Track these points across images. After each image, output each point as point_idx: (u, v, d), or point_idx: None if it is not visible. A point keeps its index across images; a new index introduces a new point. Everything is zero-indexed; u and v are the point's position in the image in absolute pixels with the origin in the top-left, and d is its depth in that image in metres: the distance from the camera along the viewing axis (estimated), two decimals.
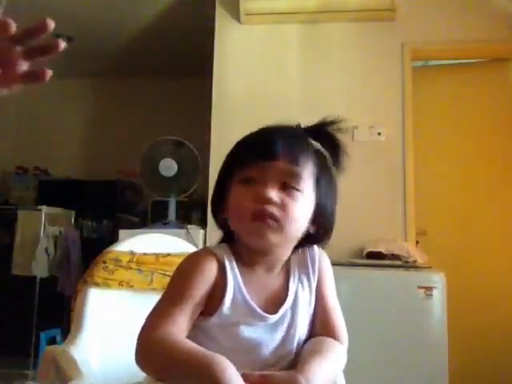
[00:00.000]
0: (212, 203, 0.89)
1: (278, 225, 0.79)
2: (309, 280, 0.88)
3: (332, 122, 0.89)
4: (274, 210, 0.79)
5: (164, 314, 0.78)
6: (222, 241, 0.90)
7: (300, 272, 0.88)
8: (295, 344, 0.83)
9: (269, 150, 0.81)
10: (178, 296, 0.80)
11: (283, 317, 0.83)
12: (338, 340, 0.86)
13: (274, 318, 0.82)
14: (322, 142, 0.89)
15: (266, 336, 0.81)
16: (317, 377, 0.74)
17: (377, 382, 2.41)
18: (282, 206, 0.79)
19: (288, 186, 0.81)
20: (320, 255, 0.91)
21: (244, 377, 0.71)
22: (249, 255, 0.85)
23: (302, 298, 0.86)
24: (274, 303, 0.84)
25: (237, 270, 0.83)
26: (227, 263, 0.83)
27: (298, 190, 0.81)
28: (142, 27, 4.23)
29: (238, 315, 0.80)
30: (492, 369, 3.12)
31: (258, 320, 0.81)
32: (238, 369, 0.73)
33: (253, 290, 0.83)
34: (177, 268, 0.85)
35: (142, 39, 4.42)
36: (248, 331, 0.80)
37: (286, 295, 0.85)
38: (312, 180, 0.84)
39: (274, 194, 0.79)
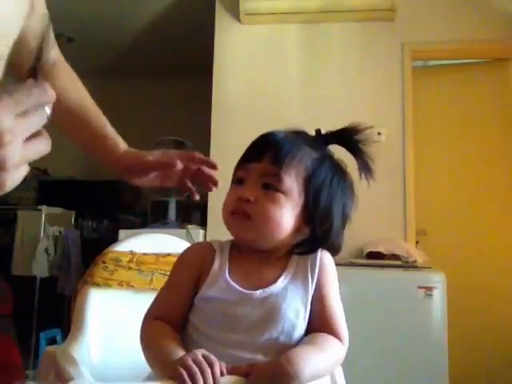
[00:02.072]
0: None
1: (251, 222, 0.83)
2: (304, 282, 0.87)
3: (353, 129, 0.93)
4: (247, 207, 0.83)
5: (157, 299, 0.89)
6: None
7: (296, 271, 0.88)
8: (283, 338, 0.82)
9: (252, 152, 0.88)
10: (170, 282, 0.91)
11: (265, 299, 0.82)
12: (339, 337, 0.86)
13: (252, 293, 0.82)
14: (346, 147, 0.94)
15: (247, 311, 0.82)
16: (305, 364, 0.72)
17: (377, 382, 2.41)
18: (257, 205, 0.83)
19: (268, 186, 0.84)
20: (322, 257, 0.90)
21: (232, 369, 0.71)
22: (242, 247, 0.89)
23: (291, 295, 0.85)
24: (258, 286, 0.84)
25: (227, 255, 0.88)
26: (218, 249, 0.89)
27: (279, 191, 0.84)
28: (142, 27, 4.24)
29: (218, 290, 0.83)
30: (492, 369, 3.12)
31: (238, 296, 0.83)
32: (229, 349, 0.78)
33: (238, 271, 0.86)
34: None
35: (141, 39, 4.43)
36: (229, 306, 0.82)
37: (273, 283, 0.85)
38: (301, 182, 0.86)
39: (249, 192, 0.84)
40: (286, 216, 0.85)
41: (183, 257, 0.92)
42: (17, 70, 0.83)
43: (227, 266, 0.86)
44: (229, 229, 0.88)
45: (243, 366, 0.73)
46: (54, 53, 0.96)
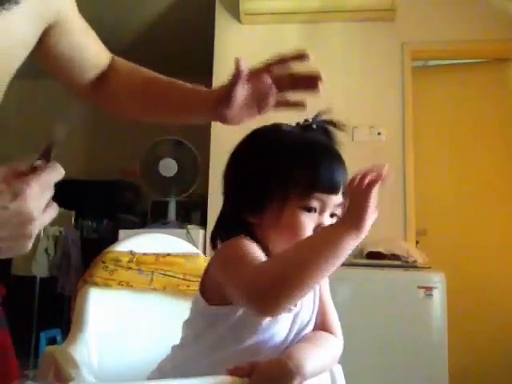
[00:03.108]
0: (246, 201, 0.85)
1: None
2: None
3: (325, 120, 0.92)
4: None
5: (248, 261, 0.77)
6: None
7: None
8: (297, 333, 0.83)
9: (333, 187, 0.83)
10: (252, 256, 0.78)
11: (298, 311, 0.83)
12: (334, 334, 0.87)
13: (295, 309, 0.82)
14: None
15: (282, 327, 0.81)
16: (307, 361, 0.73)
17: (377, 382, 2.41)
18: None
19: (334, 215, 0.85)
20: None
21: (234, 370, 0.71)
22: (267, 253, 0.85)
23: (307, 297, 0.86)
24: None
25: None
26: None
27: (338, 217, 0.85)
28: (142, 27, 4.24)
29: None
30: (492, 369, 3.12)
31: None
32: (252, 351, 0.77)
33: None
34: (225, 256, 0.83)
35: (141, 39, 4.43)
36: (268, 321, 0.80)
37: None
38: None
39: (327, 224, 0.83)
40: None
41: (247, 245, 0.81)
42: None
43: None
44: None
45: (245, 365, 0.73)
46: (105, 58, 1.01)
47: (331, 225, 0.80)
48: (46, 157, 0.55)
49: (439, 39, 3.29)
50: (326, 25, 3.36)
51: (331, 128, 0.90)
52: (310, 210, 0.82)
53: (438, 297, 2.44)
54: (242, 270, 0.75)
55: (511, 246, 3.27)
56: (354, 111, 3.24)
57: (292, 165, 0.83)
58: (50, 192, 0.54)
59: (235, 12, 3.39)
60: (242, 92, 0.86)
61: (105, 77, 1.00)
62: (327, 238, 0.71)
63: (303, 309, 0.84)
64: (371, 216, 0.74)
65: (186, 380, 0.75)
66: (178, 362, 0.86)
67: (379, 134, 3.19)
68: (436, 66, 3.69)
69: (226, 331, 0.80)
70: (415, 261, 2.69)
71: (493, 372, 3.11)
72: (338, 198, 0.83)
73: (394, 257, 2.76)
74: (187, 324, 0.88)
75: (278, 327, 0.81)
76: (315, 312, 0.87)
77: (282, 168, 0.83)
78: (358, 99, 3.26)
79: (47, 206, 0.54)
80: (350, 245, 0.69)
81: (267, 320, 0.79)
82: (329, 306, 0.90)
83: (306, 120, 0.91)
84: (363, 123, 3.20)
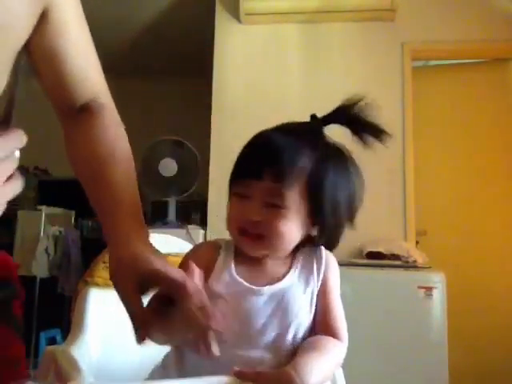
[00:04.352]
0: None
1: (264, 241, 0.82)
2: (310, 280, 0.87)
3: (347, 104, 0.90)
4: (257, 228, 0.81)
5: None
6: None
7: (302, 270, 0.88)
8: (291, 336, 0.82)
9: (251, 167, 0.83)
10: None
11: (274, 296, 0.82)
12: (338, 337, 0.86)
13: (260, 289, 0.82)
14: (344, 124, 0.91)
15: (256, 307, 0.81)
16: (312, 373, 0.73)
17: (377, 382, 2.41)
18: (266, 224, 0.81)
19: (272, 205, 0.81)
20: (327, 258, 0.90)
21: (238, 374, 0.71)
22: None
23: (298, 293, 0.85)
24: (265, 283, 0.84)
25: (232, 252, 0.86)
26: (223, 246, 0.87)
27: (283, 208, 0.81)
28: (142, 27, 4.24)
29: (223, 287, 0.82)
30: (492, 369, 3.12)
31: (246, 292, 0.82)
32: (237, 349, 0.78)
33: (243, 268, 0.85)
34: None
35: (141, 39, 4.43)
36: (239, 302, 0.81)
37: (279, 281, 0.85)
38: (303, 188, 0.83)
39: (255, 213, 0.81)
40: (295, 228, 0.83)
41: (191, 251, 0.91)
42: None
43: (233, 263, 0.85)
44: (240, 246, 0.86)
45: (250, 371, 0.72)
46: (104, 98, 0.89)
47: None
48: (6, 121, 0.49)
49: (439, 39, 3.29)
50: (325, 25, 3.36)
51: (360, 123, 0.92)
52: (238, 194, 0.84)
53: (438, 297, 2.44)
54: None
55: (511, 246, 3.27)
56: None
57: (239, 154, 0.87)
58: (12, 161, 0.48)
59: (235, 12, 3.39)
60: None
61: (86, 114, 0.87)
62: None
63: (286, 300, 0.83)
64: None
65: (186, 380, 0.75)
66: (179, 355, 0.86)
67: None
68: (436, 66, 3.69)
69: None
70: (415, 261, 2.69)
71: (493, 372, 3.11)
72: (264, 185, 0.80)
73: (394, 257, 2.76)
74: None
75: (250, 305, 0.81)
76: (312, 312, 0.86)
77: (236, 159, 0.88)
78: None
79: (10, 177, 0.48)
80: None
81: (235, 295, 0.81)
82: (334, 307, 0.88)
83: (313, 115, 0.92)
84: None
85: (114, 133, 0.88)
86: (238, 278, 0.83)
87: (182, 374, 0.81)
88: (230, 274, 0.83)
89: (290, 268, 0.87)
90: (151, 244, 0.79)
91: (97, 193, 0.82)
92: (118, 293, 0.72)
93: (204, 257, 0.86)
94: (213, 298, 0.80)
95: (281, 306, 0.82)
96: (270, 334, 0.81)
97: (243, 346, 0.79)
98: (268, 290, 0.82)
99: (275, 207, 0.81)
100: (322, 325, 0.86)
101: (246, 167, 0.84)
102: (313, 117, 0.91)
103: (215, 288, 0.82)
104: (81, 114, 0.86)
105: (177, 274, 0.70)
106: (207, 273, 0.83)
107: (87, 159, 0.84)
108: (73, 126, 0.87)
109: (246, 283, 0.82)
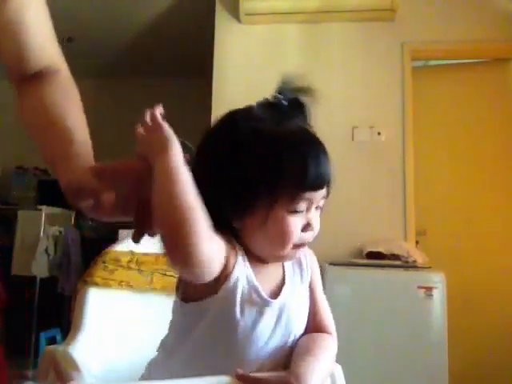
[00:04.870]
0: (232, 208, 0.78)
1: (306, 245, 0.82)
2: (302, 275, 0.88)
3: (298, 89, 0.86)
4: (312, 235, 0.81)
5: None
6: None
7: (294, 265, 0.88)
8: (292, 338, 0.83)
9: (323, 182, 0.78)
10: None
11: (282, 308, 0.82)
12: (328, 332, 0.87)
13: (276, 302, 0.80)
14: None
15: (266, 322, 0.79)
16: (311, 378, 0.73)
17: (377, 382, 2.41)
18: (314, 229, 0.81)
19: (319, 207, 0.82)
20: (308, 251, 0.91)
21: (241, 377, 0.71)
22: (250, 253, 0.82)
23: (297, 291, 0.85)
24: (275, 290, 0.82)
25: (244, 254, 0.80)
26: (237, 247, 0.79)
27: (322, 208, 0.83)
28: (142, 27, 4.23)
29: (239, 295, 0.77)
30: (492, 369, 3.12)
31: (261, 303, 0.79)
32: (233, 357, 0.76)
33: (254, 270, 0.80)
34: None
35: (142, 39, 4.43)
36: (248, 314, 0.78)
37: (284, 284, 0.84)
38: None
39: (315, 221, 0.80)
40: None
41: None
42: None
43: (250, 269, 0.79)
44: (279, 258, 0.82)
45: (251, 376, 0.72)
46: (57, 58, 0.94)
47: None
48: None
49: (439, 39, 3.29)
50: (325, 25, 3.36)
51: (302, 99, 0.85)
52: (296, 212, 0.77)
53: (438, 297, 2.44)
54: None
55: (511, 246, 3.27)
56: (354, 111, 3.24)
57: (276, 167, 0.75)
58: None
59: (235, 12, 3.39)
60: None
61: (40, 78, 0.91)
62: (159, 177, 0.69)
63: (289, 307, 0.82)
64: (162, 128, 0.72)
65: (186, 380, 0.75)
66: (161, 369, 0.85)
67: (379, 134, 3.19)
68: (436, 66, 3.69)
69: (203, 330, 0.79)
70: (415, 261, 2.69)
71: (493, 372, 3.11)
72: (323, 191, 0.80)
73: (394, 257, 2.76)
74: (170, 325, 0.85)
75: (261, 326, 0.79)
76: (306, 307, 0.86)
77: (267, 173, 0.76)
78: (358, 99, 3.27)
79: None
80: (168, 164, 0.68)
81: (248, 318, 0.77)
82: (321, 301, 0.89)
83: (275, 97, 0.85)
84: (363, 123, 3.20)
85: (66, 92, 0.92)
86: (258, 286, 0.79)
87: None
88: (249, 284, 0.78)
89: (282, 267, 0.87)
90: None
91: (49, 141, 0.86)
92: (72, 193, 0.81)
93: (228, 247, 0.77)
94: (228, 306, 0.77)
95: (284, 312, 0.81)
96: (274, 344, 0.80)
97: (248, 359, 0.78)
98: (278, 302, 0.81)
99: (319, 209, 0.82)
100: (312, 319, 0.86)
101: (317, 183, 0.77)
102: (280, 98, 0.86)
103: (233, 296, 0.77)
104: (35, 78, 0.90)
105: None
106: (224, 273, 0.77)
107: (40, 115, 0.88)
108: (27, 89, 0.91)
109: (264, 294, 0.79)
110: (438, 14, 3.29)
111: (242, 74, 3.43)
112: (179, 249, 0.67)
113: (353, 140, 3.18)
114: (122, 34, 4.33)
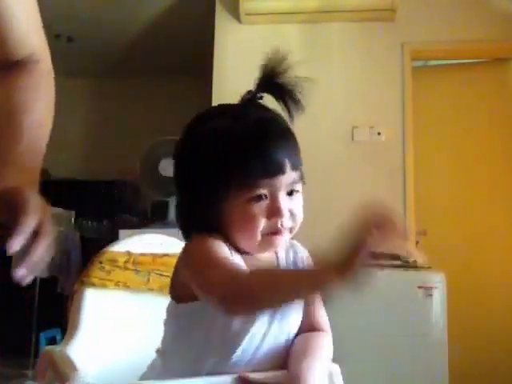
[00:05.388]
0: (204, 207, 0.80)
1: (291, 232, 0.82)
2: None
3: (277, 70, 0.88)
4: (288, 222, 0.80)
5: (217, 262, 0.75)
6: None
7: (288, 263, 0.88)
8: (287, 336, 0.82)
9: (275, 167, 0.78)
10: (219, 256, 0.76)
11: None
12: (323, 330, 0.87)
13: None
14: (277, 95, 0.88)
15: (259, 320, 0.79)
16: (310, 377, 0.74)
17: (377, 382, 2.41)
18: (292, 215, 0.81)
19: (293, 191, 0.81)
20: (302, 249, 0.91)
21: (242, 378, 0.72)
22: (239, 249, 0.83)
23: None
24: None
25: (233, 250, 0.81)
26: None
27: (298, 191, 0.82)
28: (142, 27, 4.23)
29: None
30: (492, 369, 3.12)
31: None
32: (228, 356, 0.76)
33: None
34: (192, 255, 0.80)
35: (141, 39, 4.43)
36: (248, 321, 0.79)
37: None
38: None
39: (285, 207, 0.79)
40: None
41: (213, 244, 0.79)
42: None
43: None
44: (260, 249, 0.81)
45: (250, 377, 0.73)
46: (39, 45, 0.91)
47: (317, 267, 0.71)
48: None
49: (439, 39, 3.28)
50: (325, 25, 3.36)
51: (283, 92, 0.87)
52: (258, 198, 0.78)
53: (438, 297, 2.43)
54: (212, 271, 0.73)
55: (511, 246, 3.27)
56: (354, 111, 3.24)
57: (226, 164, 0.78)
58: None
59: (235, 12, 3.39)
60: None
61: (17, 69, 0.89)
62: (309, 281, 0.67)
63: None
64: (364, 268, 0.62)
65: (186, 380, 0.75)
66: (159, 370, 0.85)
67: (379, 134, 3.19)
68: (436, 66, 3.69)
69: (197, 331, 0.79)
70: (415, 261, 2.68)
71: (493, 372, 3.11)
72: (288, 177, 0.79)
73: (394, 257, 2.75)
74: (164, 325, 0.85)
75: (255, 324, 0.79)
76: (301, 308, 0.86)
77: (217, 170, 0.79)
78: (358, 99, 3.26)
79: None
80: (331, 289, 0.64)
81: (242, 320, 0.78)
82: (315, 301, 0.89)
83: (249, 91, 0.89)
84: (363, 123, 3.20)
85: (36, 87, 0.90)
86: None
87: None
88: None
89: (276, 259, 0.86)
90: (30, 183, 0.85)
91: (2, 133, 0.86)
92: None
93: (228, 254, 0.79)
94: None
95: (278, 313, 0.81)
96: (268, 344, 0.80)
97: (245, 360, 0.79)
98: None
99: (295, 194, 0.81)
100: (307, 317, 0.86)
101: (270, 167, 0.78)
102: (252, 93, 0.90)
103: None
104: (12, 67, 0.89)
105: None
106: None
107: (4, 105, 0.87)
108: (1, 77, 0.89)
109: None
110: (438, 14, 3.28)
111: (242, 74, 3.42)
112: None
113: (353, 140, 3.18)
114: (122, 34, 4.33)
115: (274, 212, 0.78)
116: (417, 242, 3.17)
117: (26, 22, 0.87)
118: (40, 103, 0.90)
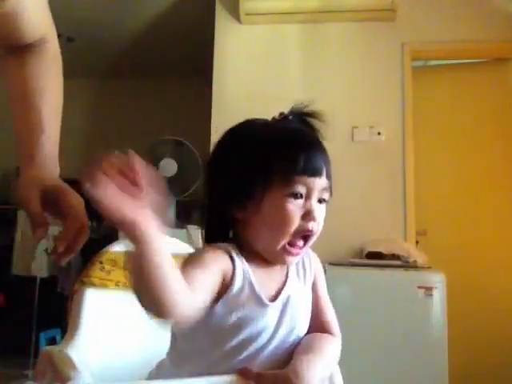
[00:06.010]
0: (230, 197, 0.82)
1: (309, 242, 0.83)
2: (305, 276, 0.88)
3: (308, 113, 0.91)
4: (316, 227, 0.81)
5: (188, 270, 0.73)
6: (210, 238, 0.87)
7: (298, 267, 0.88)
8: (295, 338, 0.83)
9: (315, 169, 0.81)
10: (200, 263, 0.76)
11: (285, 304, 0.83)
12: (331, 333, 0.87)
13: (274, 305, 0.81)
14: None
15: (268, 323, 0.80)
16: (310, 375, 0.74)
17: (377, 382, 2.41)
18: (319, 223, 0.82)
19: (322, 200, 0.83)
20: (312, 253, 0.92)
21: (242, 372, 0.73)
22: (254, 254, 0.83)
23: (300, 292, 0.86)
24: (275, 292, 0.83)
25: (244, 260, 0.82)
26: (234, 254, 0.81)
27: (326, 202, 0.84)
28: (142, 27, 4.23)
29: (243, 301, 0.79)
30: (492, 369, 3.12)
31: (261, 307, 0.80)
32: (239, 359, 0.77)
33: (257, 275, 0.82)
34: (186, 260, 0.79)
35: (141, 39, 4.42)
36: (250, 317, 0.79)
37: (285, 285, 0.84)
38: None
39: (317, 212, 0.81)
40: None
41: (207, 255, 0.79)
42: None
43: (251, 273, 0.81)
44: (283, 253, 0.81)
45: (252, 371, 0.73)
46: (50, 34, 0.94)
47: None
48: None
49: (439, 39, 3.28)
50: (325, 25, 3.36)
51: (309, 119, 0.90)
52: (295, 196, 0.79)
53: (438, 297, 2.43)
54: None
55: (511, 245, 3.27)
56: (353, 111, 3.24)
57: (270, 153, 0.81)
58: None
59: (235, 12, 3.39)
60: None
61: (28, 52, 0.92)
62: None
63: (292, 307, 0.83)
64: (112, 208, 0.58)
65: (186, 380, 0.75)
66: (169, 364, 0.85)
67: (379, 134, 3.19)
68: (436, 66, 3.69)
69: (206, 331, 0.79)
70: (415, 261, 2.68)
71: (493, 372, 3.11)
72: (322, 182, 0.81)
73: (394, 257, 2.76)
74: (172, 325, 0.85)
75: (265, 321, 0.80)
76: (309, 308, 0.87)
77: (260, 158, 0.81)
78: (358, 99, 3.26)
79: None
80: (139, 257, 0.63)
81: (249, 318, 0.78)
82: (325, 302, 0.90)
83: (281, 113, 0.91)
84: (363, 123, 3.20)
85: (48, 68, 0.94)
86: (260, 294, 0.80)
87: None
88: (249, 286, 0.80)
89: (287, 268, 0.87)
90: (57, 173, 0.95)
91: (24, 118, 0.92)
92: (21, 202, 0.85)
93: (224, 263, 0.79)
94: (230, 314, 0.78)
95: (287, 312, 0.82)
96: (275, 344, 0.81)
97: (249, 356, 0.79)
98: (279, 302, 0.82)
99: (323, 202, 0.83)
100: (316, 320, 0.87)
101: (310, 167, 0.80)
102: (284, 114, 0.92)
103: (237, 302, 0.78)
104: (24, 50, 0.92)
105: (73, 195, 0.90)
106: (226, 282, 0.79)
107: (22, 90, 0.92)
108: (13, 60, 0.93)
109: (263, 298, 0.80)
110: (438, 14, 3.28)
111: (242, 74, 3.43)
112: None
113: (353, 140, 3.18)
114: (122, 34, 4.33)
115: (308, 213, 0.80)
116: (417, 242, 3.18)
117: (38, 5, 0.89)
118: (53, 86, 0.94)
